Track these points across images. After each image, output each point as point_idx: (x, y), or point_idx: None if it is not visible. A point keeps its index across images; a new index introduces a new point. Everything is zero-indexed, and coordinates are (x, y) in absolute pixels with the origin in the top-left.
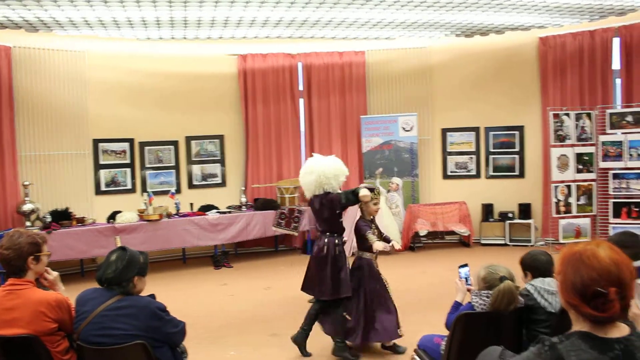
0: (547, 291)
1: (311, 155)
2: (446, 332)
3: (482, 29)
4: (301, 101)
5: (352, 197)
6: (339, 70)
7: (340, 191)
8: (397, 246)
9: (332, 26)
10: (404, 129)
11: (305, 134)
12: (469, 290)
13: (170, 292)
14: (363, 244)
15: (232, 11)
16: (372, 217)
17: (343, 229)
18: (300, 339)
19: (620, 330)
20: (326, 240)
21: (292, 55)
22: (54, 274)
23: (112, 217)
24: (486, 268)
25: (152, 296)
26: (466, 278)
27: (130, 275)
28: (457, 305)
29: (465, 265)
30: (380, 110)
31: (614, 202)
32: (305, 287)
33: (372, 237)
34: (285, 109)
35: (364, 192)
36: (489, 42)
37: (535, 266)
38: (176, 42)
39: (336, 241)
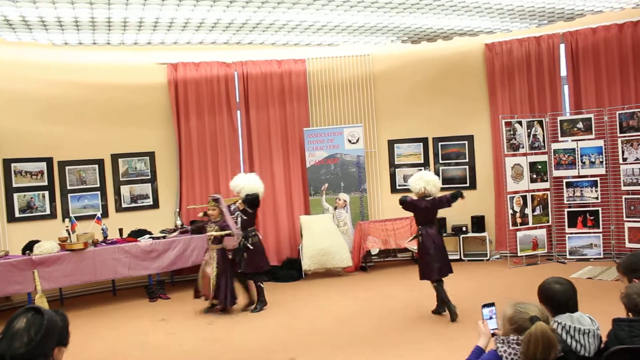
0: (579, 330)
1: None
2: None
3: (430, 34)
4: (238, 113)
5: None
6: (278, 79)
7: None
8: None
9: (273, 30)
10: (349, 141)
11: (244, 148)
12: (493, 334)
13: (100, 332)
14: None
15: (163, 11)
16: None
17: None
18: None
19: None
20: None
21: (228, 64)
22: None
23: (29, 247)
24: (513, 306)
25: None
26: (491, 319)
27: (50, 347)
28: (478, 351)
29: (491, 304)
30: (324, 122)
31: (569, 211)
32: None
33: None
34: (222, 121)
35: None
36: (433, 49)
37: (549, 297)
38: (99, 49)
39: None
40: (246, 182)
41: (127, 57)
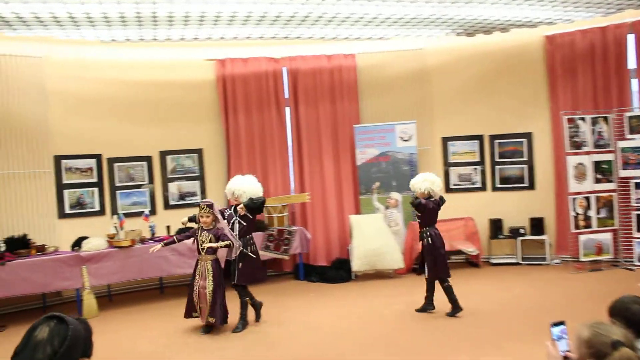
0: None
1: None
2: None
3: (487, 26)
4: (287, 110)
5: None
6: (328, 75)
7: None
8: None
9: (322, 24)
10: (402, 138)
11: (293, 145)
12: (565, 358)
13: (147, 330)
14: None
15: (208, 5)
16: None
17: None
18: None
19: None
20: None
21: (276, 60)
22: None
23: (78, 244)
24: (591, 327)
25: None
26: (561, 340)
27: (74, 359)
28: None
29: (561, 323)
30: (375, 119)
31: (638, 214)
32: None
33: None
34: (270, 118)
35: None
36: (490, 42)
37: (628, 319)
38: (147, 45)
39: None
40: (248, 186)
41: (175, 53)
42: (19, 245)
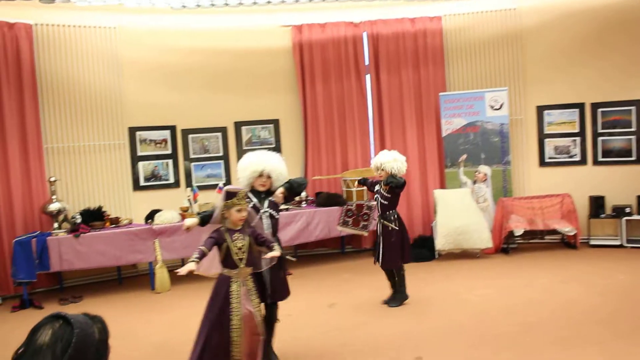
0: None
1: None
2: None
3: None
4: (368, 77)
5: None
6: (412, 40)
7: None
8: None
9: None
10: (492, 107)
11: (374, 115)
12: None
13: None
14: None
15: None
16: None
17: None
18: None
19: None
20: None
21: (356, 24)
22: None
23: (151, 216)
24: None
25: None
26: None
27: None
28: None
29: None
30: (463, 86)
31: None
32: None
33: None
34: (350, 87)
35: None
36: None
37: None
38: (219, 12)
39: None
40: (281, 165)
41: (250, 20)
42: (94, 217)
